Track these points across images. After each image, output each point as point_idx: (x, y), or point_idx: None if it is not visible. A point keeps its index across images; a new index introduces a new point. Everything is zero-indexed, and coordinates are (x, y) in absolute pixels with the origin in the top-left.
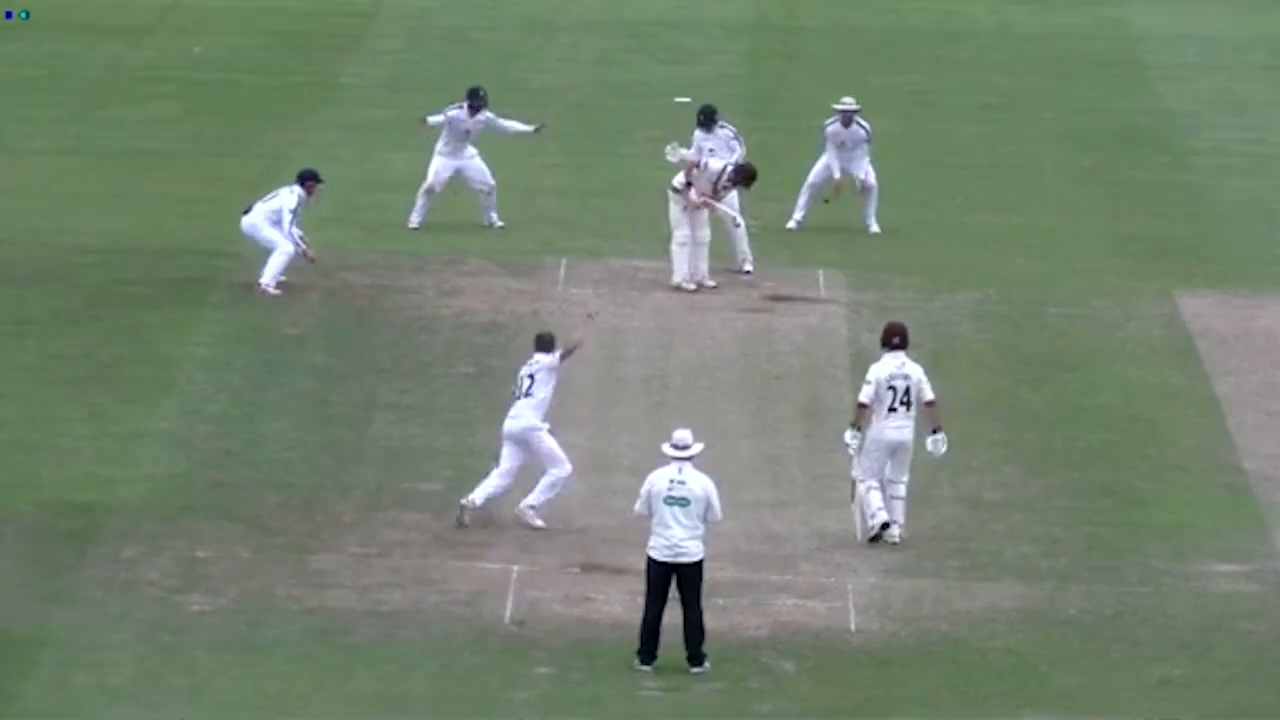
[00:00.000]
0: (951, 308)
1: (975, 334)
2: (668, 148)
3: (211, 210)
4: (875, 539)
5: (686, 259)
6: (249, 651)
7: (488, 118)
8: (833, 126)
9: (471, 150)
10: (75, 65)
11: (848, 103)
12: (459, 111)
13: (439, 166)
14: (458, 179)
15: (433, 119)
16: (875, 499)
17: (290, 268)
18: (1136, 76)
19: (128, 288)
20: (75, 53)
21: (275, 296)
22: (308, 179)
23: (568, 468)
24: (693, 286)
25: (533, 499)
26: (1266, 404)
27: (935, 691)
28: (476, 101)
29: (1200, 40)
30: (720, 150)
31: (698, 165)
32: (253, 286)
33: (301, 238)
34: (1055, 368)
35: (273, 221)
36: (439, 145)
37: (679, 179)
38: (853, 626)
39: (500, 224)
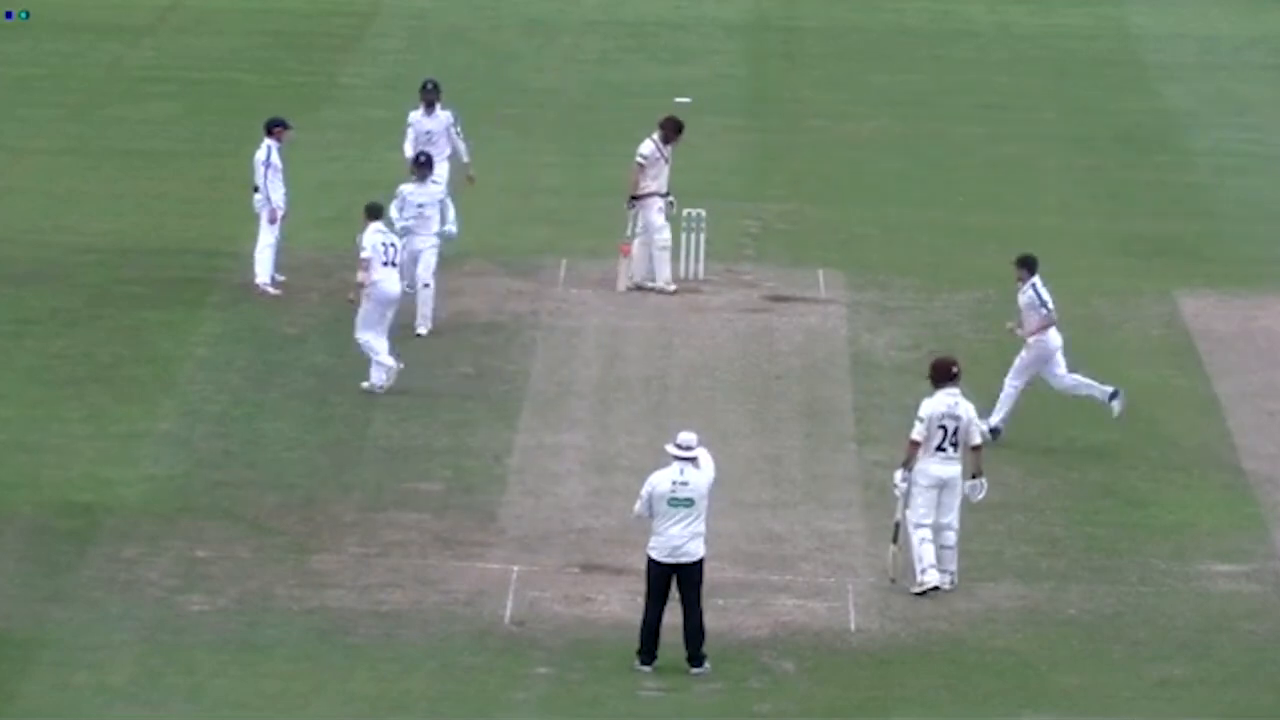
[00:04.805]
0: (951, 308)
1: (975, 334)
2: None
3: (211, 210)
4: (922, 594)
5: (669, 261)
6: (249, 651)
7: (452, 119)
8: None
9: (440, 169)
10: (75, 65)
11: None
12: (415, 112)
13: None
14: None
15: (406, 144)
16: (929, 554)
17: (279, 262)
18: (1136, 76)
19: (128, 288)
20: (75, 53)
21: (275, 296)
22: (274, 126)
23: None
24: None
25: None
26: (1266, 404)
27: (935, 691)
28: (427, 95)
29: (1200, 40)
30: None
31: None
32: (252, 286)
33: (284, 195)
34: None
35: (254, 187)
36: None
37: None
38: (853, 626)
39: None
